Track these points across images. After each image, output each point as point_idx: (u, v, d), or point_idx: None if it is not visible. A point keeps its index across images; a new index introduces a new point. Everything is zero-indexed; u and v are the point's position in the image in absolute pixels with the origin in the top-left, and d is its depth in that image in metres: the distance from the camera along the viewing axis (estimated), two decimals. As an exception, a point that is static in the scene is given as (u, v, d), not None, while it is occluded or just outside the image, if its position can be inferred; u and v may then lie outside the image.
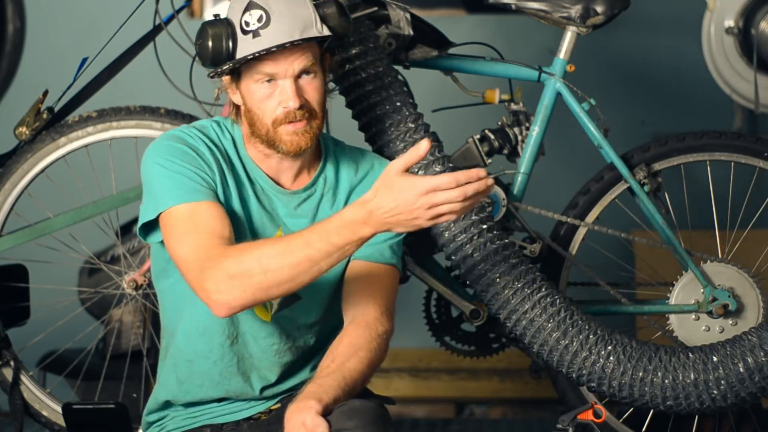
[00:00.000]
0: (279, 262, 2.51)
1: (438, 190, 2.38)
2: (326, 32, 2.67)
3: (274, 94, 2.66)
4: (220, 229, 2.60)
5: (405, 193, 2.40)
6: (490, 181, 2.40)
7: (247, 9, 2.64)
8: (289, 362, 2.80)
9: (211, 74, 2.69)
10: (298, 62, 2.64)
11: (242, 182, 2.74)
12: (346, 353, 2.61)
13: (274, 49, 2.60)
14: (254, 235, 2.73)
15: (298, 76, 2.65)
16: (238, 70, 2.67)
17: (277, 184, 2.76)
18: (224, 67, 2.65)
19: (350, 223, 2.47)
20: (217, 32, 2.64)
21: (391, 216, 2.42)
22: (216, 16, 2.69)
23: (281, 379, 2.80)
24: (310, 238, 2.50)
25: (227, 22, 2.65)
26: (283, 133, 2.67)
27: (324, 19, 2.67)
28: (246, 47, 2.63)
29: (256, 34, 2.62)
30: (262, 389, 2.79)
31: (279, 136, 2.67)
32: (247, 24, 2.63)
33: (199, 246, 2.58)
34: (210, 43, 2.64)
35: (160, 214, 2.64)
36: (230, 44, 2.64)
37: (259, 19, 2.63)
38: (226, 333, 2.75)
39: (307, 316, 2.79)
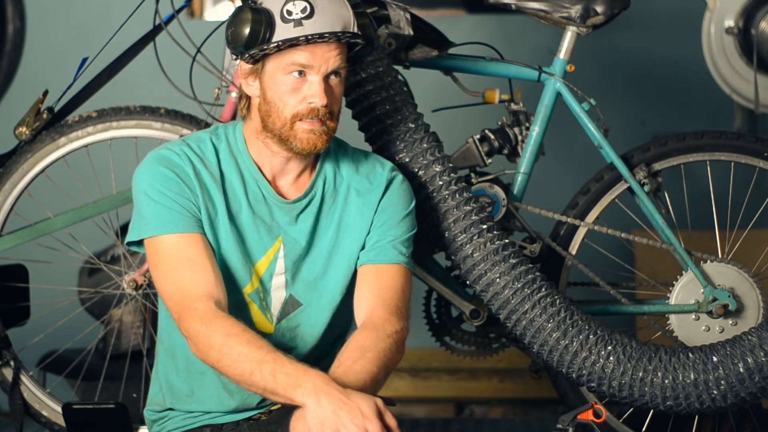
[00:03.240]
0: (232, 362, 2.56)
1: None
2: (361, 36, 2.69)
3: (301, 89, 2.66)
4: (202, 269, 2.65)
5: (350, 419, 2.45)
6: None
7: None
8: None
9: (247, 57, 2.67)
10: (333, 59, 2.65)
11: (236, 196, 2.74)
12: (353, 357, 2.61)
13: (327, 35, 2.61)
14: (246, 248, 2.74)
15: (327, 76, 2.66)
16: (265, 58, 2.67)
17: (277, 188, 2.76)
18: (270, 46, 2.63)
19: (302, 376, 2.50)
20: (257, 17, 2.64)
21: (326, 410, 2.46)
22: (252, 2, 2.69)
23: None
24: (265, 365, 2.53)
25: (265, 10, 2.65)
26: (299, 130, 2.67)
27: (359, 27, 2.70)
28: (285, 34, 2.63)
29: (298, 23, 2.63)
30: (262, 401, 2.79)
31: (294, 133, 2.67)
32: (289, 13, 2.64)
33: (179, 289, 2.64)
34: (248, 28, 2.63)
35: (145, 241, 2.70)
36: (268, 31, 2.64)
37: (303, 10, 2.63)
38: None
39: (310, 324, 2.79)
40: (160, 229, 2.67)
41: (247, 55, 2.67)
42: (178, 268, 2.65)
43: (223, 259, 2.72)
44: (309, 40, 2.61)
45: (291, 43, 2.62)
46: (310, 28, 2.63)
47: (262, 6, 2.66)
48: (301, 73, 2.65)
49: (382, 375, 2.63)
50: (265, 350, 2.55)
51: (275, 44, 2.63)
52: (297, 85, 2.66)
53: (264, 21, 2.64)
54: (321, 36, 2.62)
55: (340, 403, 2.46)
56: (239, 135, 2.77)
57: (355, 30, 2.68)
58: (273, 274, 2.76)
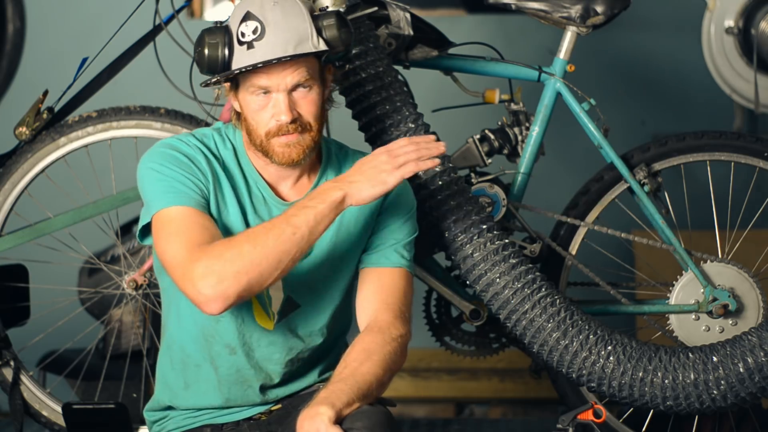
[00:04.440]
0: (265, 236, 2.56)
1: (394, 146, 2.62)
2: (322, 46, 2.65)
3: (268, 107, 2.65)
4: (211, 231, 2.61)
5: (367, 157, 2.63)
6: (441, 146, 2.64)
7: (243, 19, 2.62)
8: (293, 370, 2.79)
9: (204, 83, 2.69)
10: (291, 77, 2.63)
11: (240, 193, 2.74)
12: (359, 359, 2.60)
13: (261, 65, 2.59)
14: None
15: (292, 90, 2.65)
16: (236, 79, 2.67)
17: (277, 191, 2.76)
18: (216, 79, 2.65)
19: (321, 190, 2.60)
20: (213, 41, 2.63)
21: (356, 173, 2.60)
22: (218, 23, 2.69)
23: (283, 384, 2.80)
24: (289, 211, 2.60)
25: (226, 31, 2.64)
26: (275, 145, 2.67)
27: (321, 32, 2.66)
28: (240, 58, 2.63)
29: (250, 45, 2.61)
30: (264, 394, 2.79)
31: (272, 148, 2.67)
32: (242, 35, 2.62)
33: (190, 240, 2.58)
34: (207, 52, 2.64)
35: (153, 217, 2.66)
36: (226, 53, 2.64)
37: (254, 31, 2.62)
38: (225, 342, 2.75)
39: (308, 324, 2.78)
40: (170, 201, 2.63)
41: (204, 82, 2.68)
42: (183, 231, 2.60)
43: None
44: (255, 67, 2.60)
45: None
46: (260, 50, 2.60)
47: (224, 26, 2.65)
48: (266, 92, 2.65)
49: (386, 378, 2.63)
50: (278, 216, 2.64)
51: (221, 77, 2.64)
52: (264, 103, 2.65)
53: (221, 44, 2.63)
54: (255, 66, 2.59)
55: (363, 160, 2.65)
56: (239, 138, 2.77)
57: (313, 40, 2.65)
58: (272, 271, 2.76)
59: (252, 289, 2.57)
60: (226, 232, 2.70)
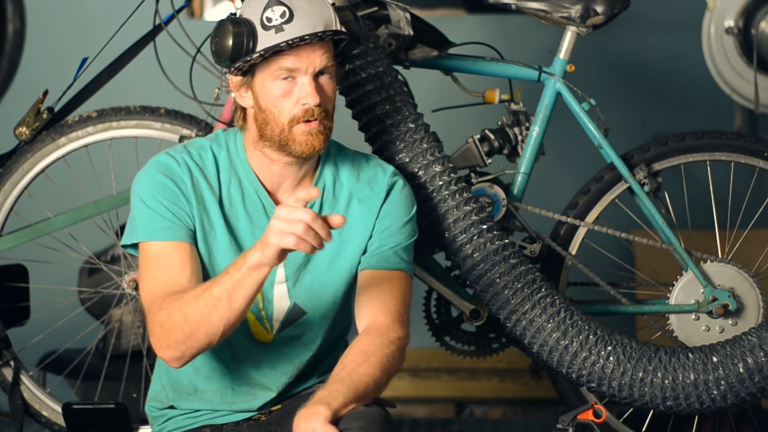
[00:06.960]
0: (194, 305, 2.55)
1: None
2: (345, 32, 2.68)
3: (293, 92, 2.66)
4: (179, 274, 2.65)
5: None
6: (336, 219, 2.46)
7: (268, 6, 2.63)
8: (293, 376, 2.80)
9: (235, 68, 2.67)
10: (320, 59, 2.64)
11: (233, 206, 2.73)
12: (357, 360, 2.60)
13: (307, 37, 2.60)
14: None
15: (316, 76, 2.66)
16: (253, 68, 2.67)
17: (276, 198, 2.75)
18: (254, 56, 2.63)
19: (244, 254, 2.53)
20: (238, 29, 2.63)
21: (268, 232, 2.46)
22: (231, 15, 2.70)
23: (287, 390, 2.81)
24: (218, 277, 2.56)
25: (245, 20, 2.65)
26: (297, 133, 2.66)
27: (342, 22, 2.69)
28: (268, 42, 2.63)
29: (279, 29, 2.62)
30: (268, 401, 2.80)
31: (293, 136, 2.67)
32: (269, 20, 2.63)
33: (151, 293, 2.64)
34: (231, 40, 2.63)
35: (139, 244, 2.71)
36: (251, 41, 2.64)
37: (282, 15, 2.63)
38: (231, 354, 2.76)
39: (312, 330, 2.79)
40: (149, 235, 2.68)
41: (233, 68, 2.67)
42: (155, 274, 2.66)
43: (220, 270, 2.71)
44: (291, 44, 2.61)
45: (275, 50, 2.62)
46: (291, 32, 2.62)
47: (242, 17, 2.66)
48: (288, 77, 2.65)
49: (384, 380, 2.62)
50: (209, 280, 2.59)
51: (258, 54, 2.63)
52: (288, 89, 2.66)
53: (245, 32, 2.63)
54: (302, 39, 2.61)
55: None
56: (240, 143, 2.76)
57: (338, 26, 2.68)
58: (273, 282, 2.75)
59: (198, 351, 2.61)
60: (214, 254, 2.72)
